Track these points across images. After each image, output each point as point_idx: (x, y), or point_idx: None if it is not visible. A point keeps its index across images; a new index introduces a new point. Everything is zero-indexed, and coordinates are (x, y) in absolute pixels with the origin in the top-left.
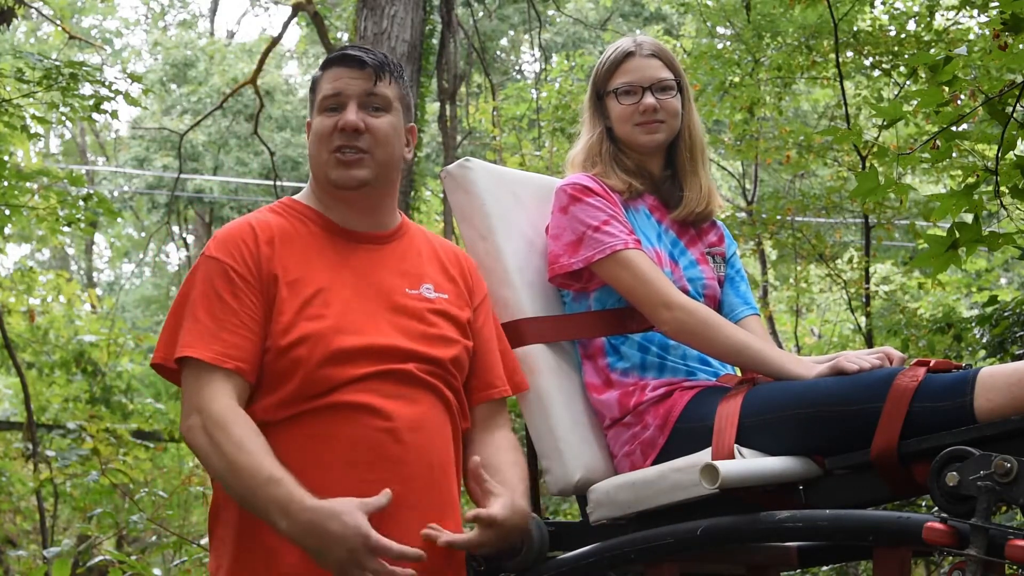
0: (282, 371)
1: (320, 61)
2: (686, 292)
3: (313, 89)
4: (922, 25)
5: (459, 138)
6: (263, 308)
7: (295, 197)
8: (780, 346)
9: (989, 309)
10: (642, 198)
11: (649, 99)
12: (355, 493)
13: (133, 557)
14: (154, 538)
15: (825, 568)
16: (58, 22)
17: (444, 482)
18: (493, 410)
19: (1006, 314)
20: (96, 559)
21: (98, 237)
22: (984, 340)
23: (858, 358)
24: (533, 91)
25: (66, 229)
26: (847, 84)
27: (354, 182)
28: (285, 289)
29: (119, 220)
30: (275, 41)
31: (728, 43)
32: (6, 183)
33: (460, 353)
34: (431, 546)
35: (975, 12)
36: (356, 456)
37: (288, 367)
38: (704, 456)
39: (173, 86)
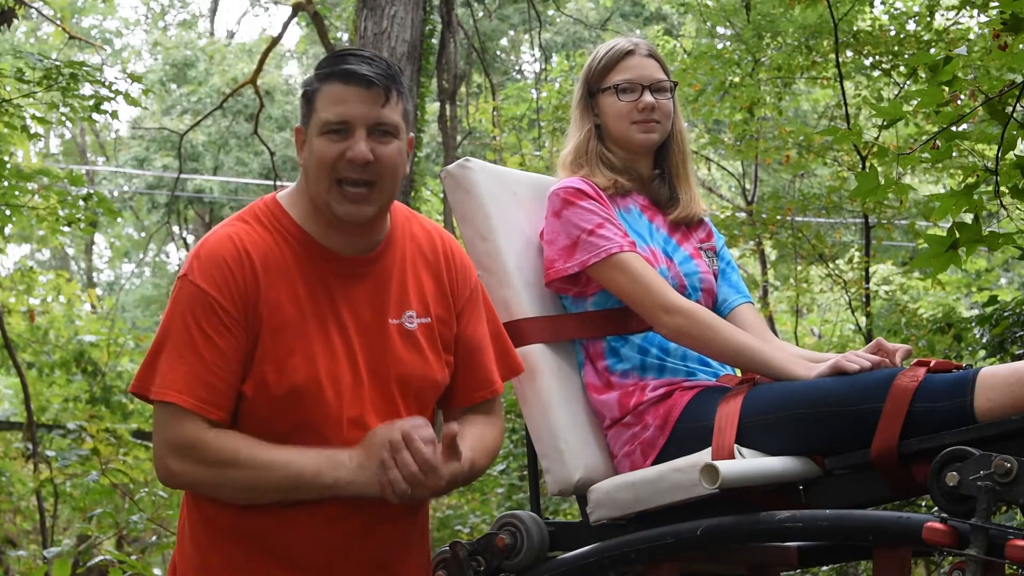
0: (267, 417)
1: (319, 62)
2: (683, 287)
3: (309, 99)
4: (922, 25)
5: (459, 138)
6: (246, 346)
7: (282, 202)
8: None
9: (989, 309)
10: (631, 197)
11: (648, 97)
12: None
13: (133, 557)
14: (154, 538)
15: (825, 568)
16: (58, 22)
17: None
18: (481, 408)
19: (1006, 314)
20: (96, 559)
21: (98, 237)
22: (984, 340)
23: (858, 357)
24: (533, 91)
25: (66, 229)
26: (847, 84)
27: (361, 219)
28: (268, 336)
29: (119, 220)
30: (275, 41)
31: (728, 43)
32: (6, 183)
33: (440, 376)
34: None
35: (975, 12)
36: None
37: (274, 415)
38: (704, 456)
39: (173, 86)
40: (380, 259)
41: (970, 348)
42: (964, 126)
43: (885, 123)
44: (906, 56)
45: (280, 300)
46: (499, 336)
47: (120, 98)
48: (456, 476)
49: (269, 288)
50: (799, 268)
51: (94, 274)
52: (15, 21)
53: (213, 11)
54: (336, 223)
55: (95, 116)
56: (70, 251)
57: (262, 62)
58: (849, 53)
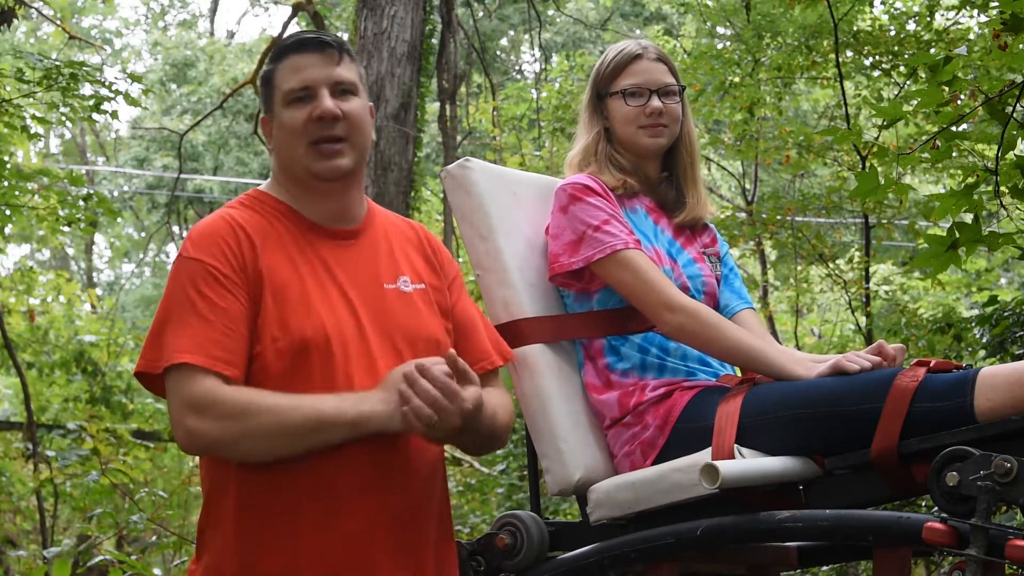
0: (277, 379)
1: (271, 52)
2: (686, 289)
3: (269, 80)
4: (922, 25)
5: (459, 138)
6: (250, 310)
7: (262, 189)
8: (780, 342)
9: (989, 309)
10: (638, 198)
11: (656, 102)
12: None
13: (133, 557)
14: (154, 538)
15: (825, 568)
16: (58, 22)
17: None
18: (483, 382)
19: (1006, 314)
20: (96, 559)
21: (98, 237)
22: (984, 340)
23: (858, 357)
24: (533, 91)
25: (66, 229)
26: (847, 84)
27: (337, 172)
28: (269, 297)
29: (119, 220)
30: (275, 41)
31: (728, 43)
32: (6, 183)
33: (442, 337)
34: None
35: (975, 12)
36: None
37: (284, 376)
38: (704, 456)
39: (173, 86)
40: (365, 232)
41: (970, 348)
42: (964, 126)
43: (885, 123)
44: (906, 56)
45: (278, 264)
46: (488, 325)
47: (120, 98)
48: (477, 402)
49: (266, 254)
50: (799, 268)
51: (94, 274)
52: (15, 21)
53: (213, 11)
54: (316, 186)
55: (95, 116)
56: (70, 251)
57: (262, 62)
58: (849, 53)
